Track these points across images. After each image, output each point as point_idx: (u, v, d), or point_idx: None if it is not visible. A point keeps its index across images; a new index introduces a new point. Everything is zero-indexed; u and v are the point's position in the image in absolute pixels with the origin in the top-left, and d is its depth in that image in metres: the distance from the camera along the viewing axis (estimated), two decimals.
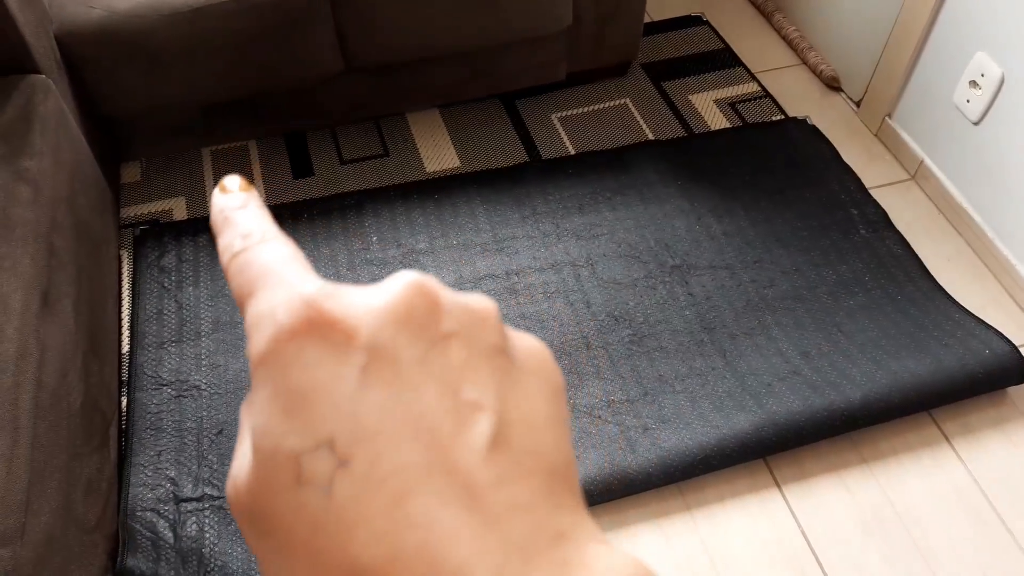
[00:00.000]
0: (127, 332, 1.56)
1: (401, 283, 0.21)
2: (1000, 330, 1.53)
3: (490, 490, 0.18)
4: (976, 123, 1.66)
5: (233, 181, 0.26)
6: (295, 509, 0.18)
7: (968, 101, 1.66)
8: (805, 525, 1.34)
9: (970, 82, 1.64)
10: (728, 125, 1.96)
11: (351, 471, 0.18)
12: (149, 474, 1.37)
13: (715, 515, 1.35)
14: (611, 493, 1.34)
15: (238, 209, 0.25)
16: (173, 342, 1.53)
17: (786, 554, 1.31)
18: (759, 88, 2.06)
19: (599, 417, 1.42)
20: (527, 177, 1.84)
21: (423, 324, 0.20)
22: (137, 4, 1.54)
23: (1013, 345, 1.48)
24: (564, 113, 2.00)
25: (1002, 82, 1.57)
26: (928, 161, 1.81)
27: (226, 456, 1.38)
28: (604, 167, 1.85)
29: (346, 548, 0.18)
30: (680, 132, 1.95)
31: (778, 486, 1.38)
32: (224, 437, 1.40)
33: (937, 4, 1.68)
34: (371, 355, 0.19)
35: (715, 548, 1.31)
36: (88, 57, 1.57)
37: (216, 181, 1.82)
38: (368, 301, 0.20)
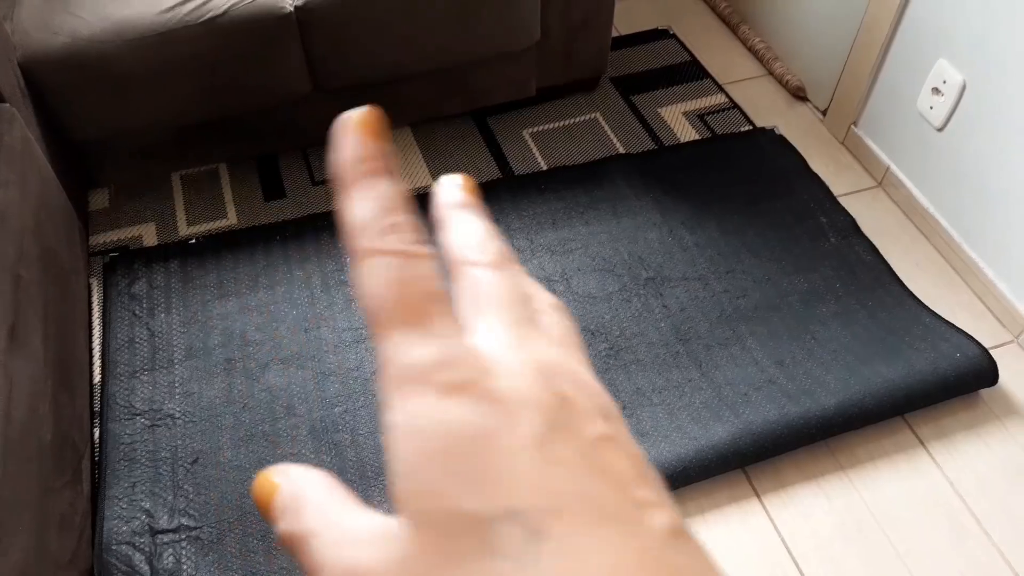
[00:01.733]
0: (98, 362, 1.54)
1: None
2: (971, 333, 1.55)
3: None
4: (940, 129, 1.68)
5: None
6: None
7: (931, 108, 1.69)
8: (785, 533, 1.34)
9: (932, 89, 1.67)
10: (697, 137, 1.98)
11: (548, 545, 0.17)
12: (124, 506, 1.35)
13: (695, 527, 1.35)
14: None
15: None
16: (146, 370, 1.51)
17: (767, 563, 1.31)
18: (727, 99, 2.08)
19: None
20: (500, 193, 1.84)
21: (587, 418, 0.20)
22: (101, 30, 1.53)
23: (984, 348, 1.50)
24: (535, 129, 2.01)
25: (964, 88, 1.60)
26: (894, 168, 1.84)
27: (202, 485, 1.36)
28: (576, 182, 1.86)
29: None
30: (650, 145, 1.96)
31: (757, 496, 1.38)
32: (200, 466, 1.39)
33: (898, 13, 1.71)
34: (549, 429, 0.19)
35: None
36: (53, 84, 1.56)
37: (186, 205, 1.82)
38: (536, 382, 0.20)
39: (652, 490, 0.19)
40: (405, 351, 0.19)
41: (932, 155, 1.73)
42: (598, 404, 0.21)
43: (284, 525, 0.21)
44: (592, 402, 0.20)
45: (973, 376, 1.48)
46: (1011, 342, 1.60)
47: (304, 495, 0.21)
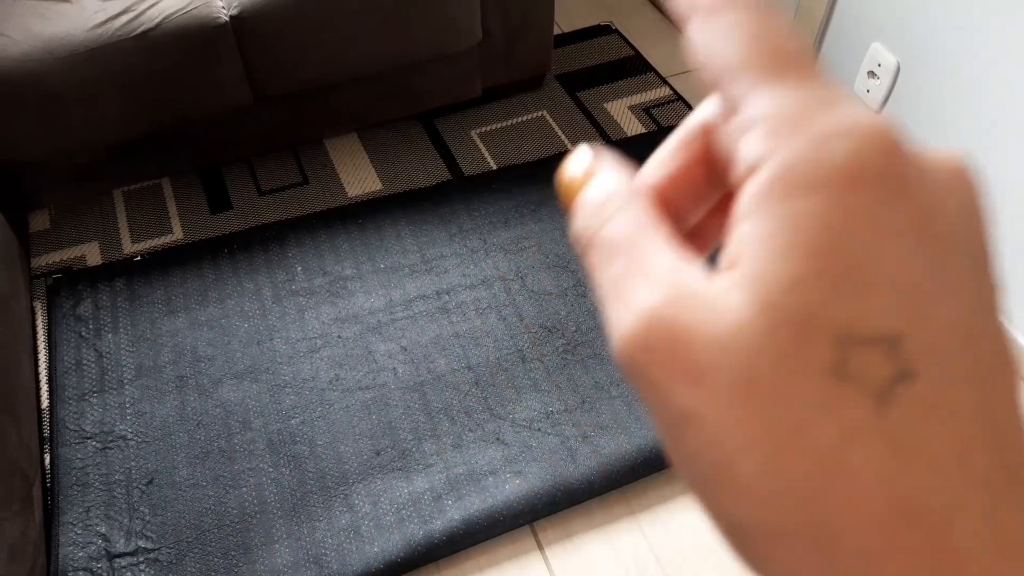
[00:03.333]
0: (46, 386, 1.50)
1: (965, 171, 0.17)
2: None
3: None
4: (878, 112, 1.72)
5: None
6: (824, 402, 0.14)
7: (868, 91, 1.72)
8: None
9: (868, 72, 1.70)
10: (644, 130, 2.00)
11: (915, 390, 0.14)
12: (79, 532, 1.32)
13: (659, 516, 1.36)
14: (556, 505, 1.34)
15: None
16: (95, 392, 1.48)
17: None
18: (671, 92, 2.10)
19: (539, 430, 1.42)
20: (451, 195, 1.83)
21: (985, 235, 0.17)
22: (31, 48, 1.49)
23: None
24: (483, 129, 2.01)
25: (898, 70, 1.63)
26: None
27: (158, 506, 1.34)
28: (526, 180, 1.86)
29: (899, 480, 0.14)
30: (598, 140, 1.97)
31: None
32: (155, 486, 1.36)
33: None
34: (946, 252, 0.16)
35: (662, 550, 1.32)
36: None
37: (130, 222, 1.78)
38: (947, 183, 0.17)
39: (1010, 342, 0.16)
40: (781, 98, 0.16)
41: None
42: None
43: (584, 224, 0.19)
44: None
45: None
46: None
47: (617, 201, 0.19)
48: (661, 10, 2.36)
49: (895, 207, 0.15)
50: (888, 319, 0.15)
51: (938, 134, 1.58)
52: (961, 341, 0.15)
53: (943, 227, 0.16)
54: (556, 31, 2.24)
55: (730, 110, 0.17)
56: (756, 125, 0.16)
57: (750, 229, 0.16)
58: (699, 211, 0.22)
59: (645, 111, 2.05)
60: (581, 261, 0.20)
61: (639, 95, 2.09)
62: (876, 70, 1.68)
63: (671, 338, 0.16)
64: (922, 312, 0.15)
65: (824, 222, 0.15)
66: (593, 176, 0.20)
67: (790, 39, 0.18)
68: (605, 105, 2.06)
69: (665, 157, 0.21)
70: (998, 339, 0.16)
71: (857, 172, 0.15)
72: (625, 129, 2.00)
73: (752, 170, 0.16)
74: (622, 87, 2.11)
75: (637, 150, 1.95)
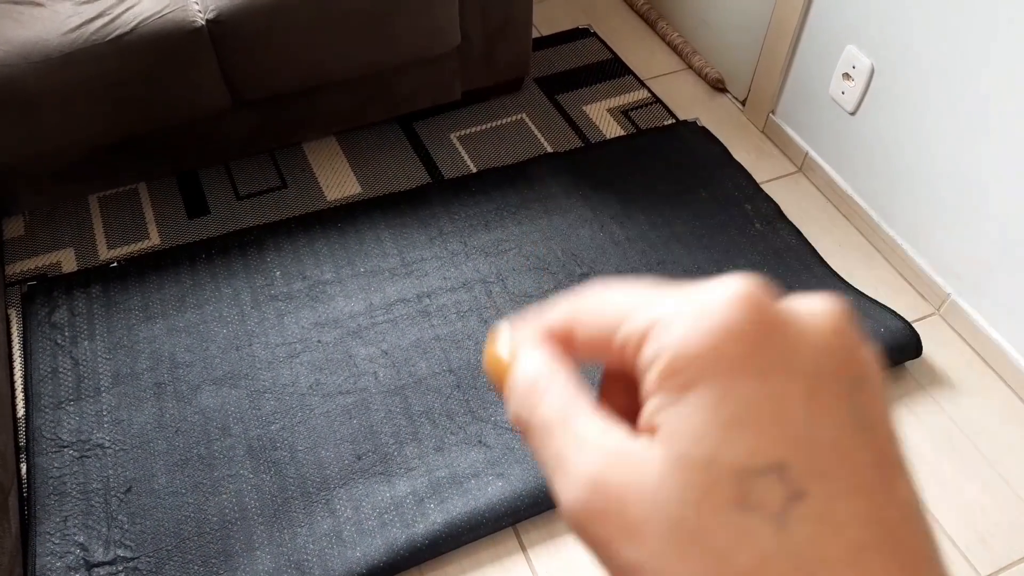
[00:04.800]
0: (21, 395, 1.48)
1: (833, 311, 0.20)
2: (894, 308, 1.60)
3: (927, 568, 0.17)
4: (852, 113, 1.74)
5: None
6: (738, 533, 0.17)
7: (843, 93, 1.74)
8: None
9: (843, 74, 1.72)
10: (622, 132, 2.00)
11: (806, 507, 0.17)
12: (56, 541, 1.30)
13: None
14: (539, 506, 1.34)
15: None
16: (71, 400, 1.46)
17: None
18: (649, 95, 2.11)
19: None
20: (431, 198, 1.83)
21: (858, 361, 0.19)
22: (5, 53, 1.48)
23: (907, 322, 1.55)
24: (463, 132, 2.01)
25: (872, 72, 1.65)
26: (812, 153, 1.89)
27: (137, 514, 1.32)
28: (506, 183, 1.87)
29: None
30: (577, 143, 1.98)
31: None
32: (133, 495, 1.34)
33: (807, 2, 1.76)
34: (815, 381, 0.18)
35: None
36: None
37: (106, 228, 1.76)
38: (813, 322, 0.19)
39: (899, 449, 0.19)
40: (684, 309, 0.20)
41: (847, 139, 1.78)
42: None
43: (518, 409, 0.22)
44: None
45: (898, 350, 1.53)
46: (932, 314, 1.66)
47: (543, 382, 0.22)
48: (639, 14, 2.37)
49: (765, 350, 0.18)
50: (773, 449, 0.17)
51: (911, 135, 1.60)
52: (839, 458, 0.18)
53: (812, 360, 0.19)
54: (535, 34, 2.24)
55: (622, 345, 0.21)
56: (646, 333, 0.20)
57: (659, 401, 0.19)
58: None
59: (624, 113, 2.06)
60: (523, 442, 0.23)
61: (618, 98, 2.10)
62: (851, 72, 1.70)
63: (608, 500, 0.18)
64: (800, 438, 0.17)
65: (710, 382, 0.18)
66: (516, 358, 0.23)
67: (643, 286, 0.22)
68: (584, 108, 2.07)
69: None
70: (880, 449, 0.18)
71: (726, 330, 0.18)
72: (604, 131, 2.01)
73: (651, 362, 0.19)
74: (601, 90, 2.12)
75: (617, 152, 1.96)
